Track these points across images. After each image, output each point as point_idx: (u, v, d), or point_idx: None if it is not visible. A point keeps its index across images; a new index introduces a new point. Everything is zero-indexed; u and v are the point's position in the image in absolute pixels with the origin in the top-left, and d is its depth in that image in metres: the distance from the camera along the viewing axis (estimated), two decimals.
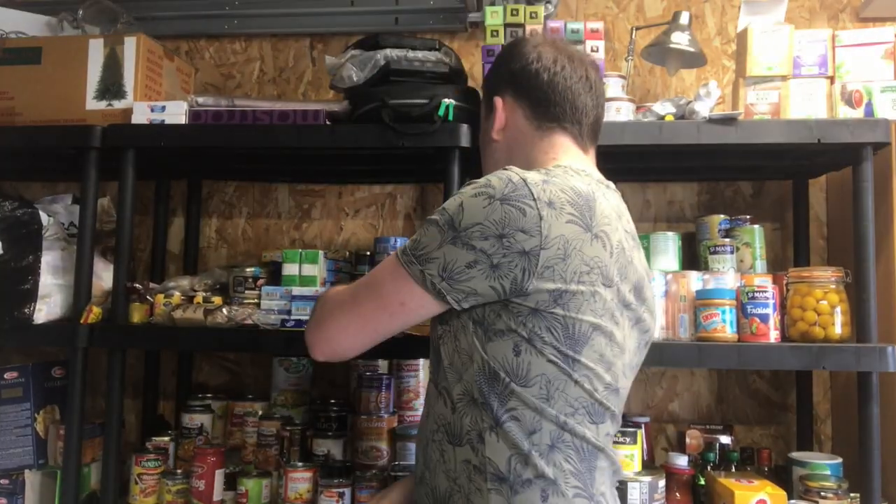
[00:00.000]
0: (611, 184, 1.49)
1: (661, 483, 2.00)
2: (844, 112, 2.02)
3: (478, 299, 1.31)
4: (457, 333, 1.36)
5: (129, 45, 2.23)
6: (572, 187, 1.33)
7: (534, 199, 1.28)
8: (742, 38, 2.10)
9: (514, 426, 1.29)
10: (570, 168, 1.41)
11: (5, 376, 2.25)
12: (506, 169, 1.34)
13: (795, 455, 2.06)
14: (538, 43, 1.54)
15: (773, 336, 1.90)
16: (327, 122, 2.07)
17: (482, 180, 1.33)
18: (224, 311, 2.01)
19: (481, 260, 1.27)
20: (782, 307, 1.96)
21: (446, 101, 1.95)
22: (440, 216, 1.33)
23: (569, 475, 1.31)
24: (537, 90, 1.49)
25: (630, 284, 1.39)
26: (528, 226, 1.26)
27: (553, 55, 1.50)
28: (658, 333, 1.99)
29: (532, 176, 1.32)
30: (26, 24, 2.45)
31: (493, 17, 2.07)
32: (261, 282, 2.11)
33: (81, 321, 2.02)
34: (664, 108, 2.02)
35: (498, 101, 1.53)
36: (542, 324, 1.28)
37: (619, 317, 1.36)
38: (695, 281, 2.01)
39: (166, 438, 2.26)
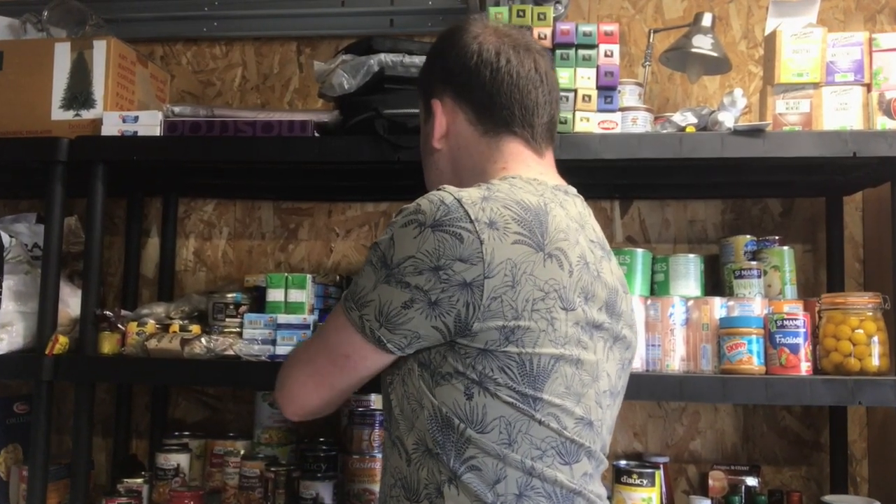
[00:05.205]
0: (570, 188, 1.45)
1: None
2: (882, 123, 2.01)
3: (421, 343, 1.28)
4: (404, 378, 1.33)
5: (99, 50, 2.23)
6: (519, 201, 1.29)
7: (470, 222, 1.23)
8: (770, 41, 2.10)
9: (475, 476, 1.25)
10: (519, 178, 1.37)
11: None
12: (439, 189, 1.30)
13: (829, 498, 2.06)
14: (478, 32, 1.46)
15: (805, 368, 1.90)
16: (316, 134, 2.07)
17: (412, 205, 1.28)
18: (203, 340, 2.01)
19: (418, 298, 1.24)
20: (814, 336, 1.96)
21: None
22: (373, 253, 1.30)
23: None
24: (479, 90, 1.43)
25: (599, 302, 1.34)
26: (467, 253, 1.22)
27: (495, 46, 1.43)
28: (678, 365, 1.99)
29: (469, 194, 1.27)
30: None
31: (498, 18, 2.07)
32: (243, 309, 2.12)
33: (46, 352, 2.02)
34: (685, 119, 2.03)
35: (436, 104, 1.48)
36: (493, 364, 1.25)
37: (588, 340, 1.32)
38: (718, 308, 2.02)
39: (139, 480, 2.25)
